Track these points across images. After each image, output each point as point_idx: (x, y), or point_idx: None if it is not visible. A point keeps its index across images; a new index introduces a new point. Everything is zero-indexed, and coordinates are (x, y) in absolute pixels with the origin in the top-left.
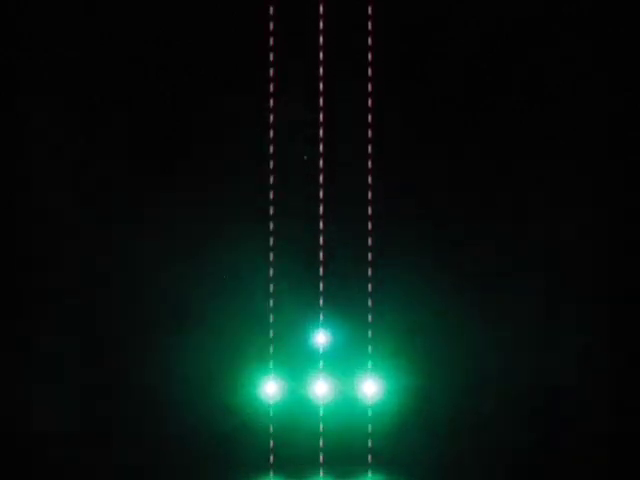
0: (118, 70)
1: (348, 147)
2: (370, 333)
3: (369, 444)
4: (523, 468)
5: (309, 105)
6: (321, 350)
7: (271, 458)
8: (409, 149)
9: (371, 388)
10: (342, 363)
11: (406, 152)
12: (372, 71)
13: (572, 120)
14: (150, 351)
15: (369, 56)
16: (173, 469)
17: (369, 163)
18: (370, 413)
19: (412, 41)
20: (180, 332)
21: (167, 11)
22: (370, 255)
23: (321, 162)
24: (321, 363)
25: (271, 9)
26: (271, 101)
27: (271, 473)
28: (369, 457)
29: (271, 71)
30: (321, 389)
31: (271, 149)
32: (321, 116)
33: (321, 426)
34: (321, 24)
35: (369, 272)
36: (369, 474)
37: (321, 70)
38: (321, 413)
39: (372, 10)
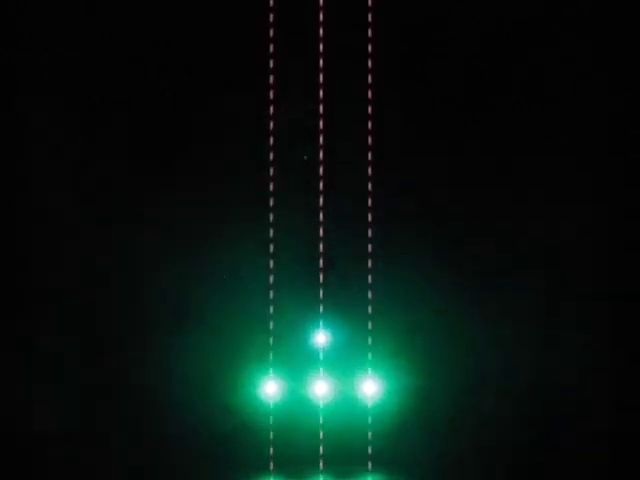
0: (118, 70)
1: (348, 145)
2: (370, 333)
3: (369, 444)
4: (523, 467)
5: (309, 105)
6: (321, 350)
7: (271, 458)
8: (409, 148)
9: (371, 388)
10: (342, 363)
11: (406, 151)
12: (372, 70)
13: (572, 119)
14: (150, 351)
15: (369, 53)
16: (173, 469)
17: (369, 162)
18: (370, 413)
19: (412, 41)
20: (180, 332)
21: (167, 11)
22: (370, 254)
23: (321, 161)
24: (321, 363)
25: (271, 3)
26: (271, 102)
27: (271, 473)
28: (369, 457)
29: (271, 69)
30: (321, 389)
31: (271, 150)
32: (321, 119)
33: (321, 426)
34: (321, 17)
35: (369, 272)
36: (369, 474)
37: (321, 63)
38: (321, 413)
39: (372, 10)
